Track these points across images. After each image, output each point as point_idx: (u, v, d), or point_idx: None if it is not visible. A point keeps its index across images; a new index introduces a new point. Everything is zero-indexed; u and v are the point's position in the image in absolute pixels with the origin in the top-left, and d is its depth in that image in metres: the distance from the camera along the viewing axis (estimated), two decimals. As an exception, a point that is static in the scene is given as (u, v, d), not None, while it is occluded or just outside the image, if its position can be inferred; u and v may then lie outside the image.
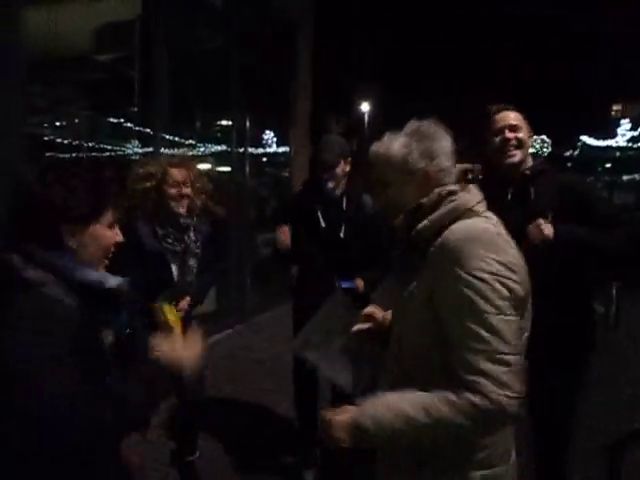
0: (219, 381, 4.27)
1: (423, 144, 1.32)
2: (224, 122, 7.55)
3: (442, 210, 1.27)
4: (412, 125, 1.37)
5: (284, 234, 2.85)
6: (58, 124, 6.20)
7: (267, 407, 3.91)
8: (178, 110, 6.35)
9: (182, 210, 2.44)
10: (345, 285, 2.74)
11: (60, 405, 1.10)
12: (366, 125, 20.67)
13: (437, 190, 1.30)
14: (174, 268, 2.46)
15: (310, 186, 3.01)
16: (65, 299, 1.19)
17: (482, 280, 1.13)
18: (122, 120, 6.76)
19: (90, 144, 6.53)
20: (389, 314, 1.55)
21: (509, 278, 1.15)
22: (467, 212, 1.28)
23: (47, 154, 6.11)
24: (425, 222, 1.27)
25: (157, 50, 5.38)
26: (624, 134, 34.38)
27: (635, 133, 33.78)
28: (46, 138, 5.95)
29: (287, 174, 8.15)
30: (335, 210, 2.86)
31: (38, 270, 1.18)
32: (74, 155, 6.51)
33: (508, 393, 1.09)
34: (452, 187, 1.31)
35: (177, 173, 2.42)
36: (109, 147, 7.01)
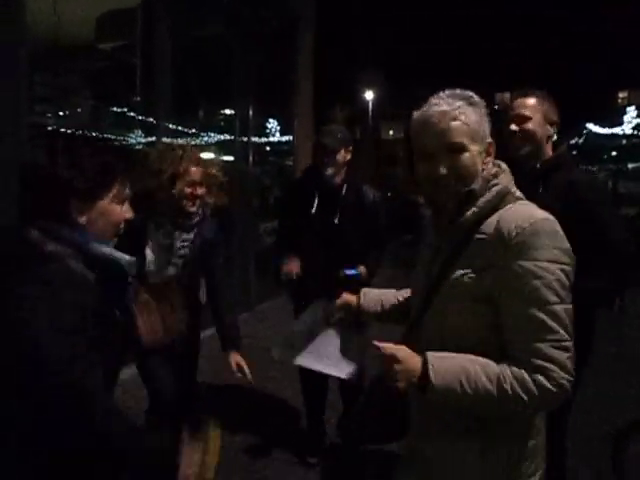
0: (224, 370, 4.29)
1: (486, 115, 1.31)
2: (227, 111, 7.53)
3: (488, 196, 1.27)
4: (463, 95, 1.30)
5: (291, 267, 2.78)
6: (61, 113, 6.19)
7: (273, 395, 3.94)
8: (181, 99, 6.33)
9: (193, 209, 2.39)
10: (349, 272, 2.74)
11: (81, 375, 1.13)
12: (370, 114, 20.55)
13: (484, 175, 1.29)
14: (153, 258, 2.38)
15: (310, 172, 2.99)
16: (83, 271, 1.21)
17: (549, 271, 1.17)
18: (125, 109, 6.75)
19: (94, 134, 6.53)
20: (361, 296, 1.62)
21: (570, 265, 1.20)
22: (508, 196, 1.29)
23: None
24: (474, 209, 1.27)
25: (159, 38, 5.34)
26: (630, 122, 34.06)
27: (641, 121, 33.45)
28: (50, 128, 5.95)
29: (290, 163, 8.13)
30: (332, 196, 2.83)
31: (57, 244, 1.19)
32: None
33: (569, 377, 1.17)
34: (494, 169, 1.31)
35: (195, 173, 2.37)
36: (113, 136, 7.01)
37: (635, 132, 33.66)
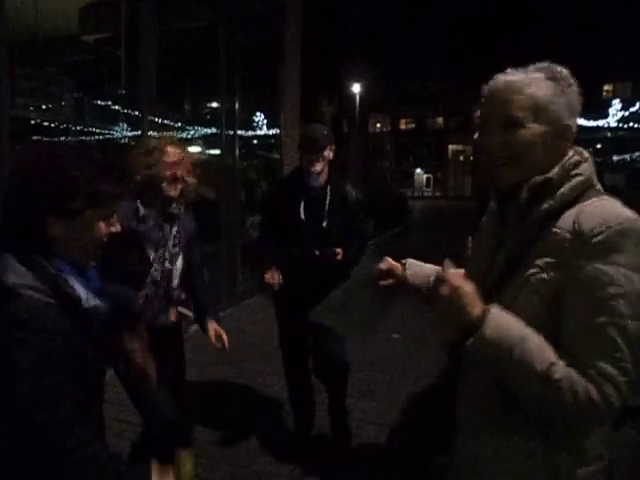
0: (212, 364, 4.30)
1: (570, 95, 1.15)
2: (214, 104, 7.47)
3: (567, 187, 1.13)
4: (549, 68, 1.15)
5: (271, 277, 2.74)
6: (44, 107, 6.09)
7: (260, 389, 3.94)
8: (166, 92, 6.26)
9: (174, 193, 2.32)
10: (324, 252, 2.71)
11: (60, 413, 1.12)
12: (357, 107, 20.52)
13: (563, 163, 1.14)
14: (151, 254, 2.31)
15: (295, 174, 2.91)
16: (51, 302, 1.12)
17: (631, 281, 1.02)
18: (109, 102, 6.66)
19: (77, 127, 6.43)
20: (406, 267, 1.45)
21: None
22: (591, 190, 1.14)
23: (34, 137, 6.02)
24: (551, 202, 1.13)
25: (144, 30, 5.28)
26: (615, 114, 34.37)
27: (626, 113, 33.81)
28: (32, 121, 5.85)
29: (277, 156, 8.09)
30: (318, 198, 2.78)
31: (24, 273, 1.11)
32: (62, 139, 6.41)
33: (621, 400, 1.03)
34: (575, 157, 1.15)
35: (172, 154, 2.28)
36: (97, 130, 6.91)
37: (620, 124, 33.99)
